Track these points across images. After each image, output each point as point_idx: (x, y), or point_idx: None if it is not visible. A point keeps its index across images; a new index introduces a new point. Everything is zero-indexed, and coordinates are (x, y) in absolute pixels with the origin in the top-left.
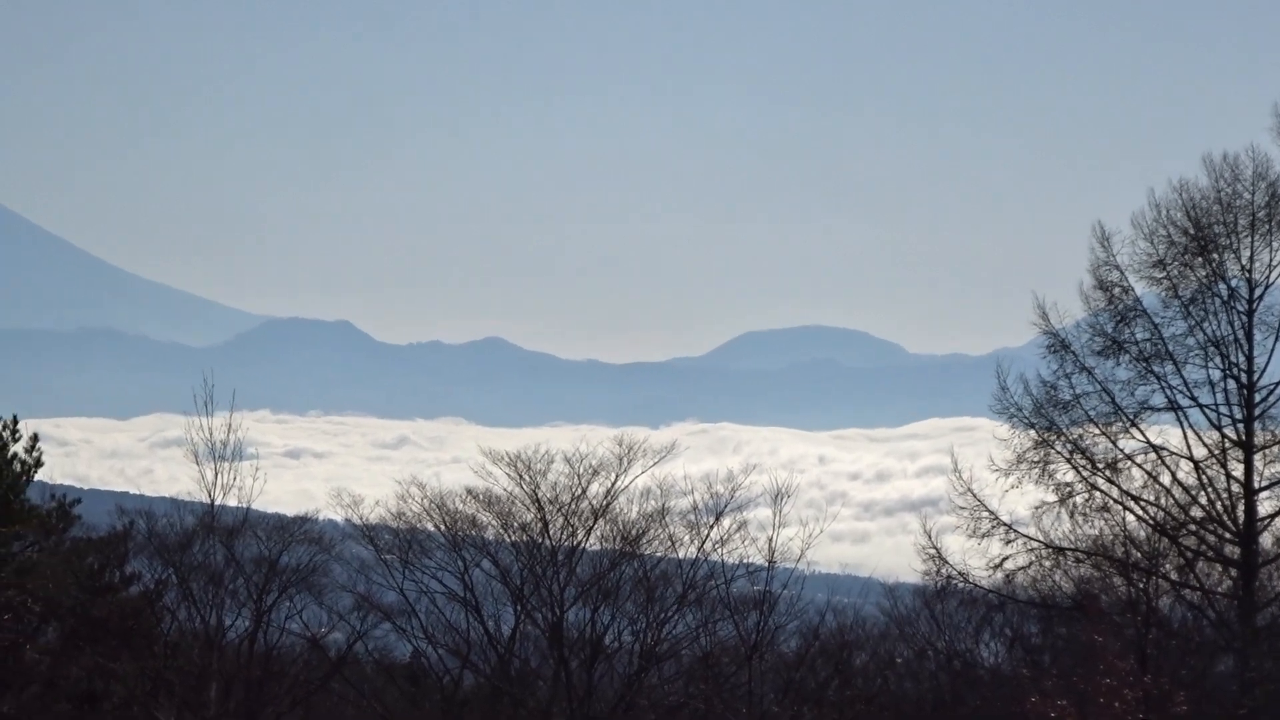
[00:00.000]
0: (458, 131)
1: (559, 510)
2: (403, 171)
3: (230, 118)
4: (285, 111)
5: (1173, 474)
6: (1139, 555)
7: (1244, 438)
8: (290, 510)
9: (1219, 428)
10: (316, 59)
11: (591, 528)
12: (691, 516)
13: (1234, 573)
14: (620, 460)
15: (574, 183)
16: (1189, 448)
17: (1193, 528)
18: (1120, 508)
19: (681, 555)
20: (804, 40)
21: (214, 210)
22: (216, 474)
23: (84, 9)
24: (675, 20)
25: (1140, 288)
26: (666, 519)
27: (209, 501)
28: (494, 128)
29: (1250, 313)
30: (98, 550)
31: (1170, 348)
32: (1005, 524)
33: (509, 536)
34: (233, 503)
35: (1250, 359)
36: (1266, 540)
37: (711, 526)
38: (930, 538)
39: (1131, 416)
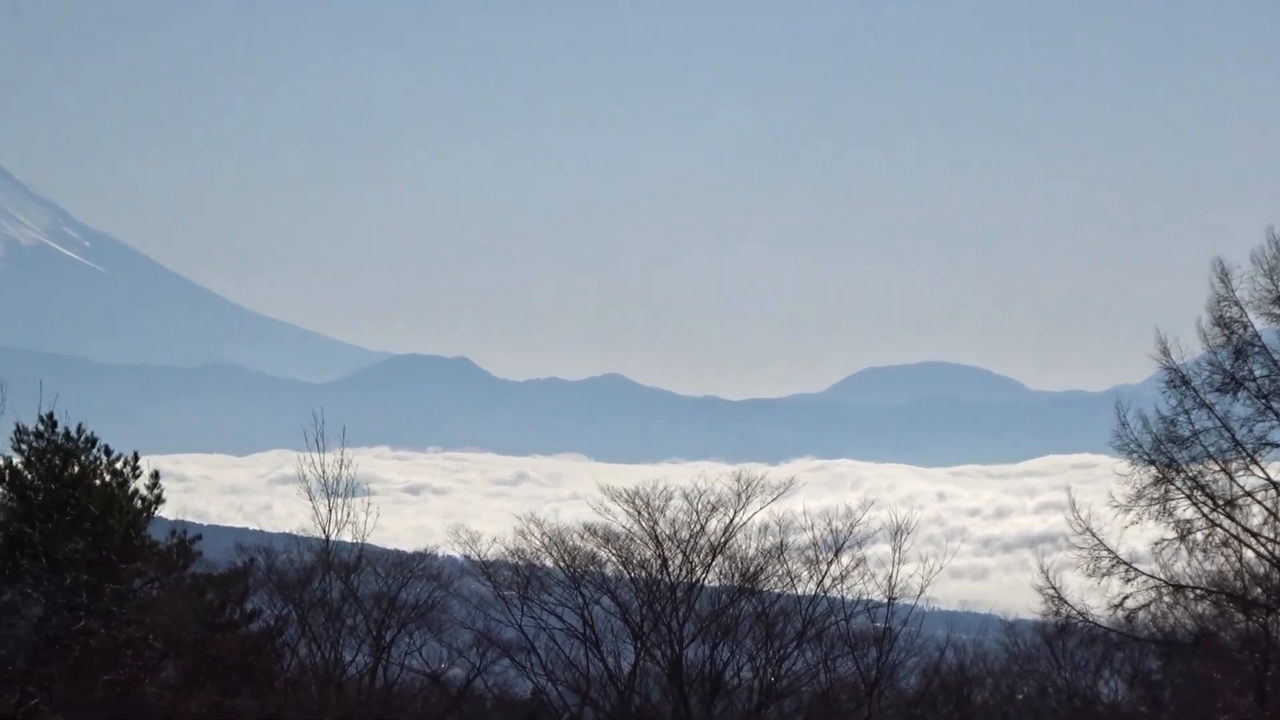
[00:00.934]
0: (574, 173)
1: (678, 547)
2: (522, 211)
3: (349, 158)
4: (404, 152)
5: None
6: (1259, 592)
7: None
8: (409, 546)
9: None
10: (447, 110)
11: (710, 564)
12: (810, 553)
13: None
14: (739, 496)
15: (693, 219)
16: None
17: None
18: (1240, 544)
19: (800, 591)
20: (917, 78)
21: (333, 248)
22: (330, 510)
23: (197, 54)
24: (795, 54)
25: (1260, 324)
26: (785, 555)
27: (324, 537)
28: (610, 167)
29: None
30: (218, 586)
31: None
32: (1125, 562)
33: (628, 573)
34: (348, 538)
35: None
36: None
37: (830, 563)
38: (1048, 577)
39: (1251, 452)
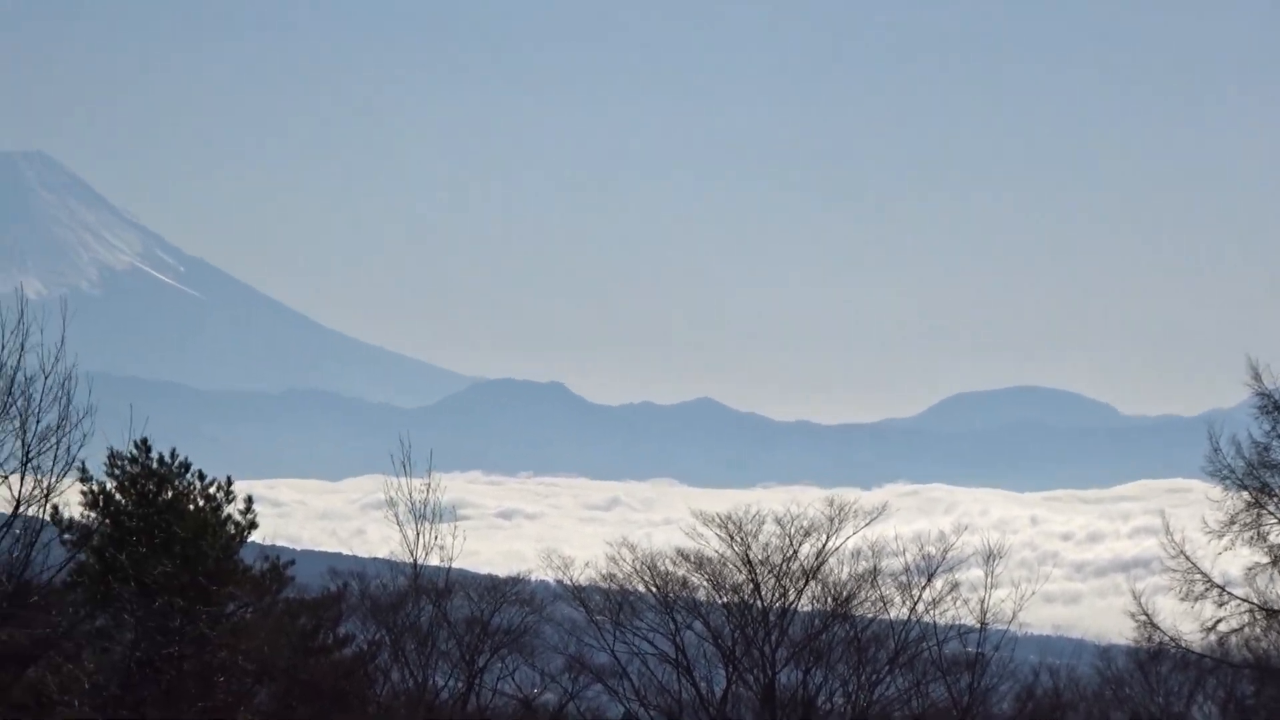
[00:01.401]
0: (666, 200)
1: (770, 571)
2: (614, 233)
3: (443, 186)
4: (496, 179)
5: None
6: None
7: None
8: (502, 571)
9: None
10: (537, 125)
11: (803, 589)
12: (903, 577)
13: None
14: (831, 521)
15: (785, 244)
16: None
17: None
18: None
19: (893, 616)
20: (1007, 99)
21: (427, 273)
22: (419, 534)
23: (289, 82)
24: (885, 80)
25: None
26: (877, 580)
27: (413, 562)
28: (701, 193)
29: None
30: (311, 611)
31: None
32: (1218, 586)
33: (720, 598)
34: (437, 562)
35: None
36: None
37: (923, 588)
38: (1141, 602)
39: None
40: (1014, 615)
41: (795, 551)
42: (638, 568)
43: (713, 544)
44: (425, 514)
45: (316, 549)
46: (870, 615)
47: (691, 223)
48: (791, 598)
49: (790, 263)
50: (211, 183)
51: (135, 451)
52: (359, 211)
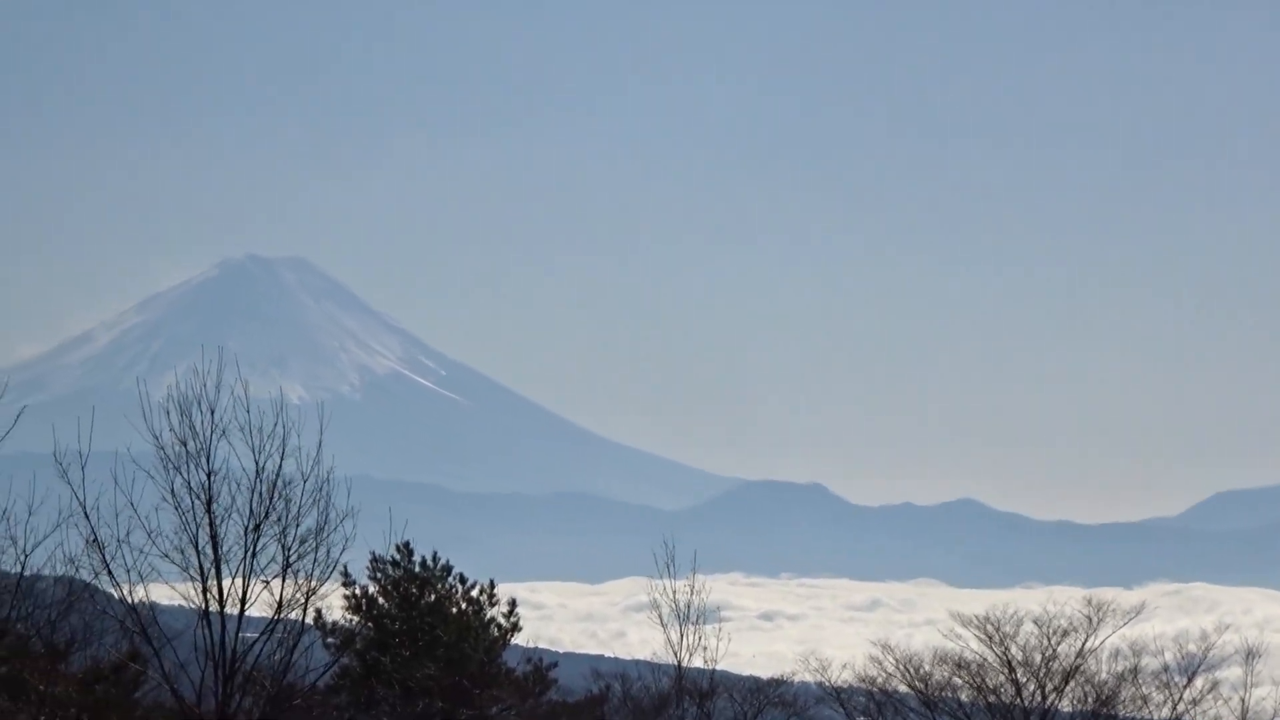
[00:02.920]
0: (923, 302)
1: (1030, 672)
2: (872, 337)
3: (695, 289)
4: (746, 284)
5: None
6: None
7: None
8: (763, 673)
9: None
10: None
11: (1063, 689)
12: (1163, 676)
13: None
14: (1090, 621)
15: (1042, 344)
16: None
17: None
18: None
19: (1153, 716)
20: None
21: (684, 376)
22: (683, 636)
23: (542, 194)
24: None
25: None
26: (1138, 679)
27: (677, 664)
28: (956, 302)
29: None
30: (574, 714)
31: None
32: None
33: (982, 699)
34: (699, 664)
35: None
36: None
37: (1184, 687)
38: None
39: None
40: (1275, 713)
41: (1054, 651)
42: (898, 669)
43: (972, 645)
44: (689, 615)
45: (578, 651)
46: (1131, 715)
47: (950, 329)
48: (1051, 698)
49: (1050, 363)
50: (471, 289)
51: (397, 555)
52: (618, 319)
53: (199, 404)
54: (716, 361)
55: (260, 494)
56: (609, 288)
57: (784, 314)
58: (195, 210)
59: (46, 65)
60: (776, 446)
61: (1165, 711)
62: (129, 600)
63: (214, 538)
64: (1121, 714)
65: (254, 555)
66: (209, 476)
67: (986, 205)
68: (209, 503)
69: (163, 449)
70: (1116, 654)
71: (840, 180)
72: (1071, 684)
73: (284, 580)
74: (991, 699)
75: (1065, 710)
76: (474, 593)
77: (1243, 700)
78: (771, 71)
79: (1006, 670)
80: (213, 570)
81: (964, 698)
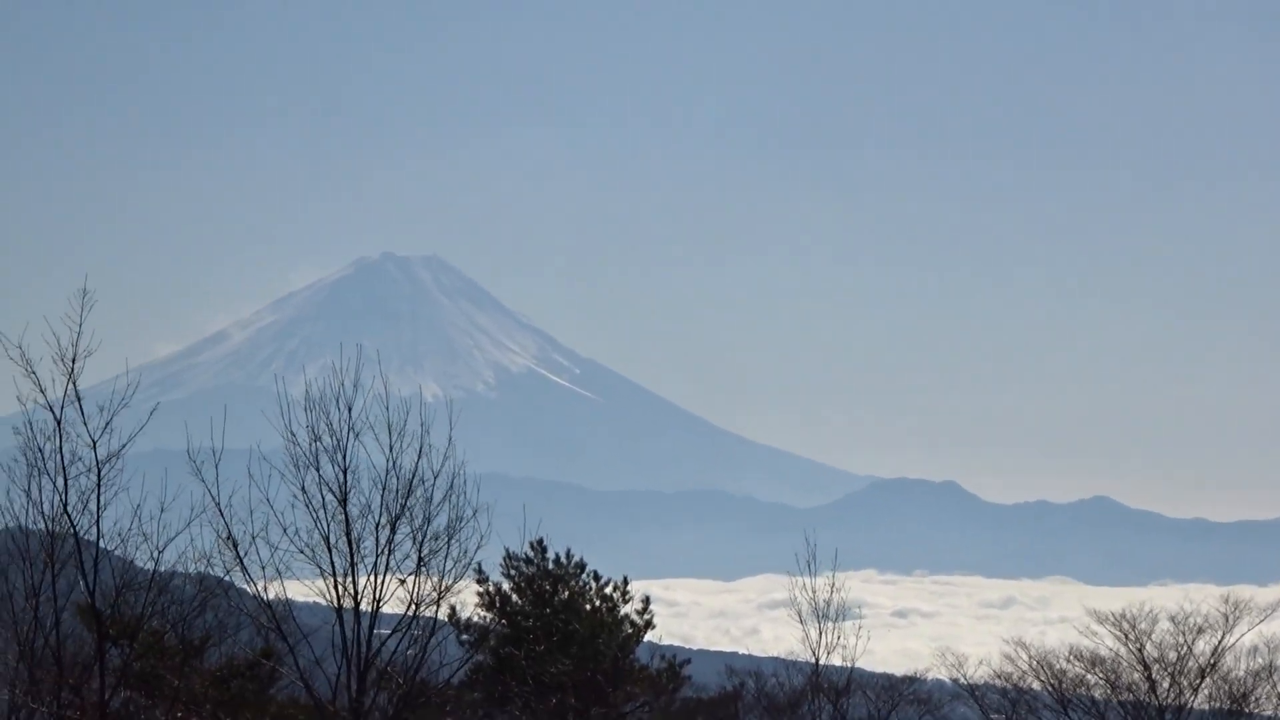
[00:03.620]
0: (1058, 294)
1: (1165, 669)
2: (1007, 332)
3: (826, 284)
4: (878, 279)
5: None
6: None
7: None
8: (898, 670)
9: None
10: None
11: (1198, 686)
12: None
13: None
14: (1225, 618)
15: (1182, 340)
16: None
17: None
18: None
19: None
20: None
21: (819, 373)
22: (820, 634)
23: (670, 191)
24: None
25: None
26: (1275, 676)
27: (813, 661)
28: (1093, 296)
29: None
30: (708, 710)
31: None
32: None
33: (1115, 696)
34: (837, 662)
35: None
36: None
37: None
38: None
39: None
40: None
41: (1190, 649)
42: (1033, 666)
43: (1107, 642)
44: (828, 613)
45: (711, 648)
46: (1268, 712)
47: (1085, 325)
48: (1187, 695)
49: (1187, 360)
50: (603, 287)
51: (531, 552)
52: (751, 317)
53: (336, 401)
54: (851, 359)
55: (396, 491)
56: (741, 285)
57: (919, 312)
58: (331, 209)
59: (185, 65)
60: (911, 444)
61: None
62: (263, 597)
63: (349, 535)
64: (1257, 711)
65: (389, 552)
66: (344, 474)
67: (1123, 194)
68: (344, 500)
69: (298, 446)
70: (1253, 651)
71: (975, 174)
72: (1207, 681)
73: (418, 577)
74: (1125, 696)
75: (1200, 708)
76: (607, 590)
77: None
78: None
79: (1141, 667)
80: (347, 567)
81: (1098, 695)
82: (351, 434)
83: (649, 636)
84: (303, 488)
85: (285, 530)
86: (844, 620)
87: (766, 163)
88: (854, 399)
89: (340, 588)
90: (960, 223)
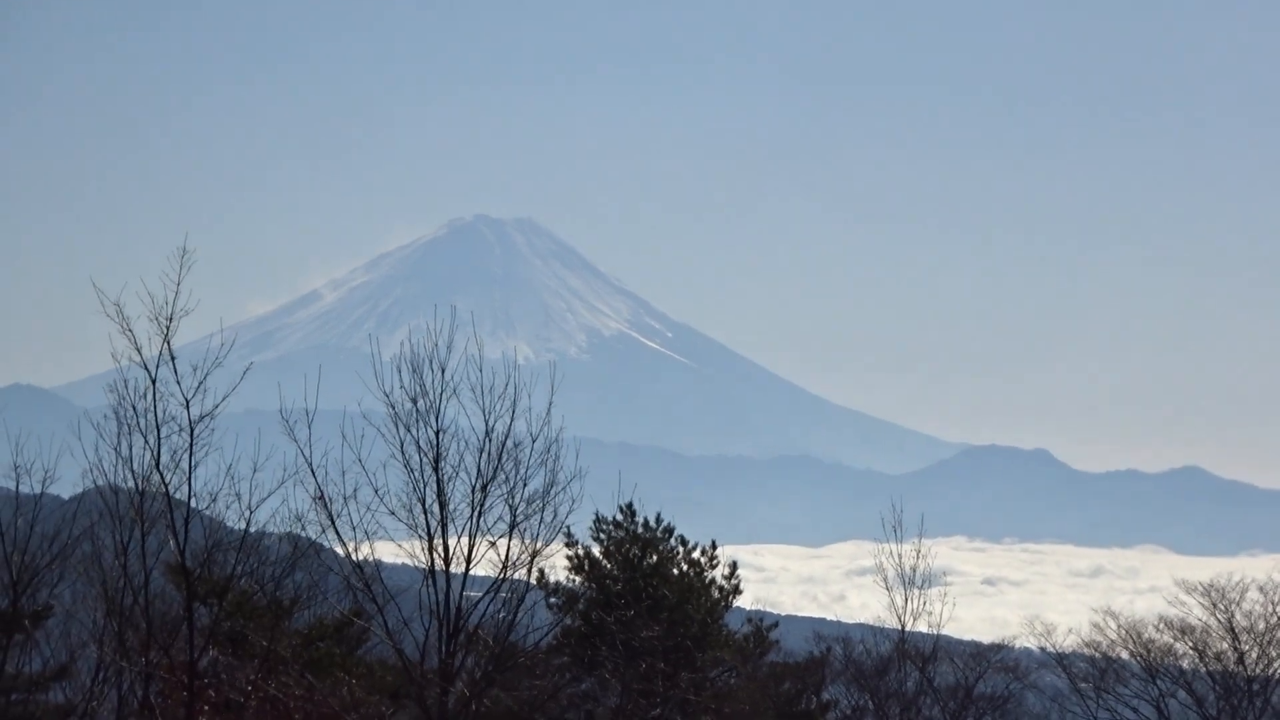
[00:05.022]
0: (1153, 259)
1: (1254, 640)
2: (1102, 300)
3: (920, 257)
4: (981, 250)
5: None
6: None
7: None
8: (985, 637)
9: None
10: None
11: None
12: None
13: None
14: None
15: (1263, 312)
16: None
17: None
18: None
19: None
20: None
21: (911, 340)
22: (907, 600)
23: (778, 151)
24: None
25: None
26: None
27: (900, 628)
28: (1184, 262)
29: None
30: (795, 676)
31: None
32: None
33: (1204, 666)
34: (923, 628)
35: None
36: None
37: None
38: None
39: None
40: None
41: (1279, 619)
42: (1121, 636)
43: (1195, 612)
44: (913, 579)
45: (799, 614)
46: None
47: (1179, 293)
48: (1276, 666)
49: (1276, 330)
50: (695, 251)
51: (620, 516)
52: (843, 283)
53: (430, 362)
54: (945, 326)
55: (489, 454)
56: (835, 251)
57: (1013, 278)
58: (427, 171)
59: (288, 27)
60: (1003, 411)
61: None
62: (353, 558)
63: (440, 496)
64: None
65: (480, 515)
66: (438, 435)
67: (1228, 158)
68: (436, 461)
69: (392, 407)
70: None
71: (1072, 138)
72: None
73: (510, 540)
74: (1214, 666)
75: None
76: (696, 554)
77: None
78: None
79: (1230, 637)
80: (439, 529)
81: (1185, 665)
82: (446, 395)
83: (737, 602)
84: (401, 448)
85: (377, 491)
86: (930, 587)
87: (858, 129)
88: (947, 366)
89: (432, 549)
90: (1056, 188)
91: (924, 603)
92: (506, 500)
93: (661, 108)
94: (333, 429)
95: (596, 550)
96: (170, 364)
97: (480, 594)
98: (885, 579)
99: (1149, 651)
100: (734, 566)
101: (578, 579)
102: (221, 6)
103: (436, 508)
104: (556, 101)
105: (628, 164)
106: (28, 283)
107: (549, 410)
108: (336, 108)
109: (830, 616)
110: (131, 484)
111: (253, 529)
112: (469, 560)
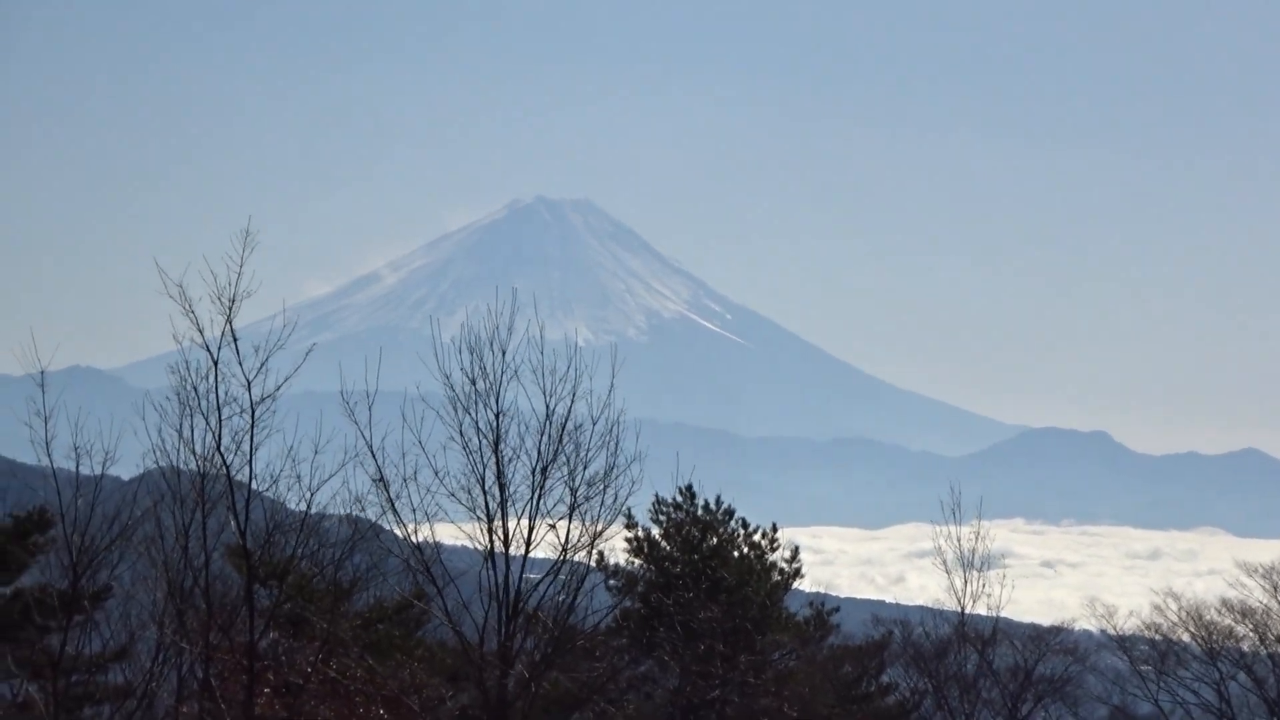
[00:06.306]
0: (1212, 240)
1: None
2: (1160, 280)
3: (970, 237)
4: (1026, 231)
5: None
6: None
7: None
8: (1044, 620)
9: None
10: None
11: None
12: None
13: None
14: None
15: None
16: None
17: None
18: None
19: None
20: None
21: (969, 322)
22: (966, 582)
23: (821, 144)
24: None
25: None
26: None
27: (959, 610)
28: (1245, 242)
29: None
30: (855, 659)
31: None
32: None
33: (1265, 648)
34: (982, 611)
35: None
36: None
37: None
38: None
39: None
40: None
41: None
42: (1182, 618)
43: (1256, 595)
44: (974, 562)
45: (858, 596)
46: None
47: (1238, 277)
48: None
49: None
50: (754, 233)
51: (680, 498)
52: (902, 266)
53: (490, 344)
54: (1002, 308)
55: (550, 436)
56: (894, 234)
57: (1073, 261)
58: (487, 153)
59: (352, 11)
60: (1061, 393)
61: None
62: (413, 540)
63: (500, 478)
64: None
65: (540, 497)
66: (498, 417)
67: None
68: (496, 443)
69: (452, 388)
70: None
71: (1133, 124)
72: None
73: (570, 522)
74: (1275, 648)
75: None
76: (756, 537)
77: None
78: None
79: None
80: (498, 511)
81: (1245, 648)
82: (507, 377)
83: (797, 584)
84: (460, 430)
85: (437, 473)
86: (989, 569)
87: (919, 116)
88: (1006, 348)
89: (491, 531)
90: (1122, 170)
91: (983, 585)
92: (567, 482)
93: (719, 89)
94: (393, 411)
95: (656, 532)
96: (233, 345)
97: (540, 576)
98: (944, 561)
99: (1210, 634)
100: (795, 550)
101: (637, 561)
102: None
103: (496, 490)
104: (615, 83)
105: (686, 146)
106: (85, 266)
107: (610, 393)
108: (399, 90)
109: (888, 599)
110: (193, 465)
111: (313, 511)
112: (528, 542)
